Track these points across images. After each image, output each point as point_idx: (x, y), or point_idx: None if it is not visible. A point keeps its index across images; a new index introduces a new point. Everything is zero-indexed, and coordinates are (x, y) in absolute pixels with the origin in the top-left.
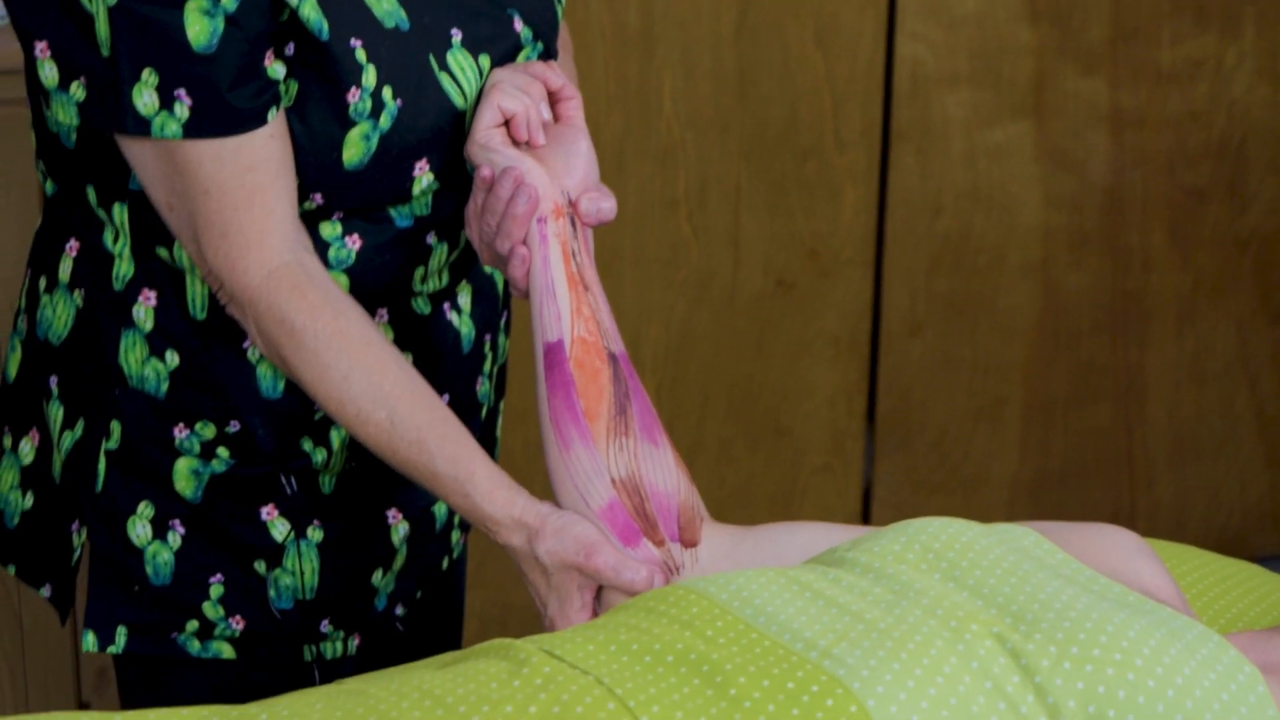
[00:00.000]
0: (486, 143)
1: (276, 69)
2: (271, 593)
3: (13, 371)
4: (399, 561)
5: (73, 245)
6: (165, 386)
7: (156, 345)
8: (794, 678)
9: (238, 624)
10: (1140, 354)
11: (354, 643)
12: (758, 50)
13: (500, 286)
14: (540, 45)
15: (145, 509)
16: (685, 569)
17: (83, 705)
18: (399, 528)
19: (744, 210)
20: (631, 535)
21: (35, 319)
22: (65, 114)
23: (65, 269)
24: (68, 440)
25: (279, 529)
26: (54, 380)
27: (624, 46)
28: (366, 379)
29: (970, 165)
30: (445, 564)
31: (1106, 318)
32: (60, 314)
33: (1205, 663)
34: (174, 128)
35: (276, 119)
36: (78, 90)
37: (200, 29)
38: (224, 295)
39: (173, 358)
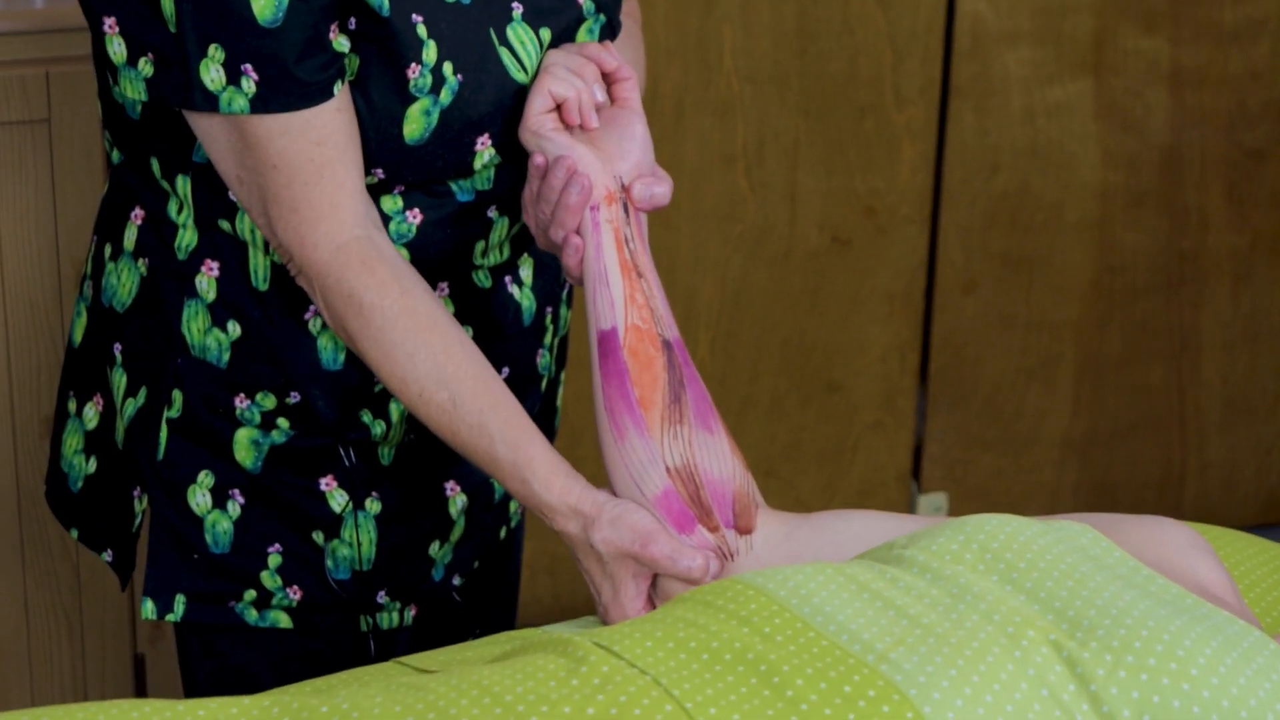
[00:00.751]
0: (538, 129)
1: (341, 42)
2: (329, 563)
3: (78, 337)
4: (457, 533)
5: (138, 213)
6: (227, 356)
7: (219, 315)
8: (851, 681)
9: (295, 594)
10: (1194, 313)
11: (410, 613)
12: (818, 5)
13: None
14: (603, 18)
15: (205, 478)
16: (740, 556)
17: (138, 659)
18: (457, 499)
19: (801, 166)
20: (686, 522)
21: (100, 285)
22: (134, 89)
23: (130, 237)
24: (130, 407)
25: (337, 500)
26: (118, 347)
27: (684, 1)
28: (431, 359)
29: (1029, 123)
30: (504, 533)
31: (1162, 277)
32: (125, 281)
33: (1261, 672)
34: (241, 103)
35: (342, 92)
36: (146, 66)
37: (265, 3)
38: (293, 268)
39: (234, 328)
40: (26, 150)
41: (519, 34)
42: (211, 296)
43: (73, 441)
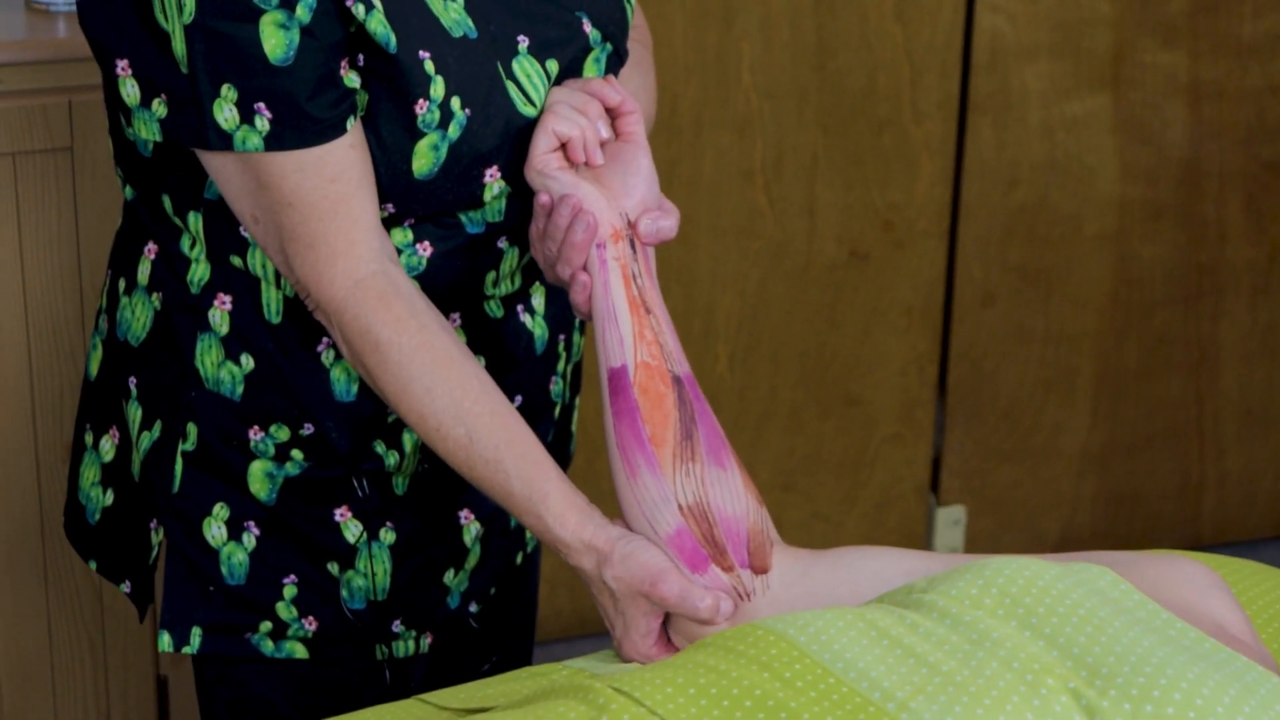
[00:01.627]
0: (543, 169)
1: (352, 78)
2: (344, 593)
3: (94, 370)
4: (472, 560)
5: (151, 248)
6: (241, 389)
7: (232, 349)
8: None
9: (311, 625)
10: (1213, 326)
11: (426, 641)
12: (836, 21)
13: None
14: (609, 46)
15: (220, 510)
16: (756, 595)
17: (161, 682)
18: (471, 527)
19: (820, 180)
20: (699, 561)
21: (115, 319)
22: (148, 130)
23: (144, 271)
24: (146, 440)
25: (352, 530)
26: (133, 381)
27: (703, 17)
28: (448, 395)
29: (1047, 137)
30: (520, 558)
31: (1180, 289)
32: (139, 315)
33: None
34: (255, 141)
35: (355, 128)
36: (160, 107)
37: (276, 42)
38: (311, 303)
39: (248, 361)
40: (49, 178)
41: (525, 67)
42: (225, 330)
43: (90, 474)
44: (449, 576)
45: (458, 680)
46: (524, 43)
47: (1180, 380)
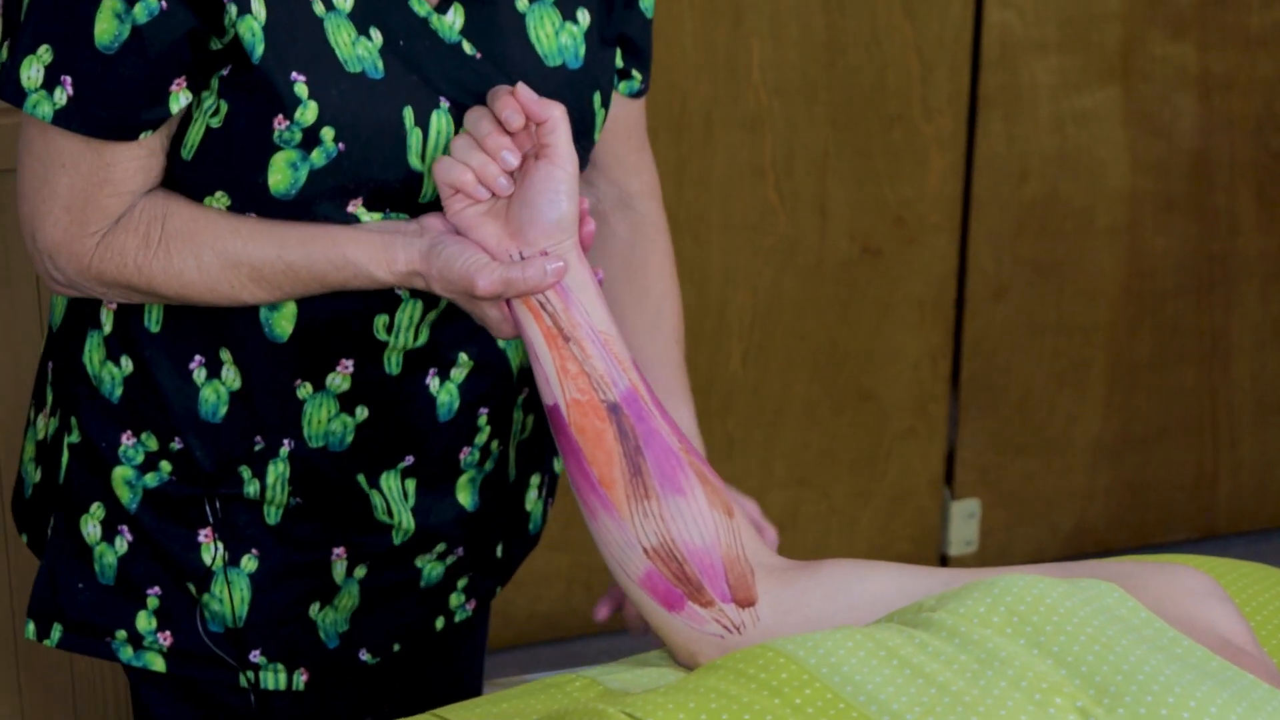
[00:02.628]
0: (448, 213)
1: (179, 98)
2: (205, 614)
3: (43, 350)
4: (346, 600)
5: None
6: (119, 392)
7: (113, 349)
8: None
9: (166, 639)
10: (1225, 316)
11: (301, 678)
12: (845, 18)
13: (516, 362)
14: None
15: (97, 509)
16: (746, 629)
17: None
18: (339, 564)
19: (831, 177)
20: (675, 601)
21: (51, 304)
22: None
23: None
24: (52, 426)
25: (211, 552)
26: (50, 365)
27: (712, 14)
28: (212, 255)
29: (1058, 130)
30: (440, 624)
31: (1192, 280)
32: (59, 304)
33: None
34: (46, 109)
35: (146, 142)
36: (4, 51)
37: (106, 28)
38: (60, 279)
39: (127, 364)
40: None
41: (440, 122)
42: (109, 329)
43: (29, 449)
44: (314, 610)
45: None
46: (445, 103)
47: (1193, 371)
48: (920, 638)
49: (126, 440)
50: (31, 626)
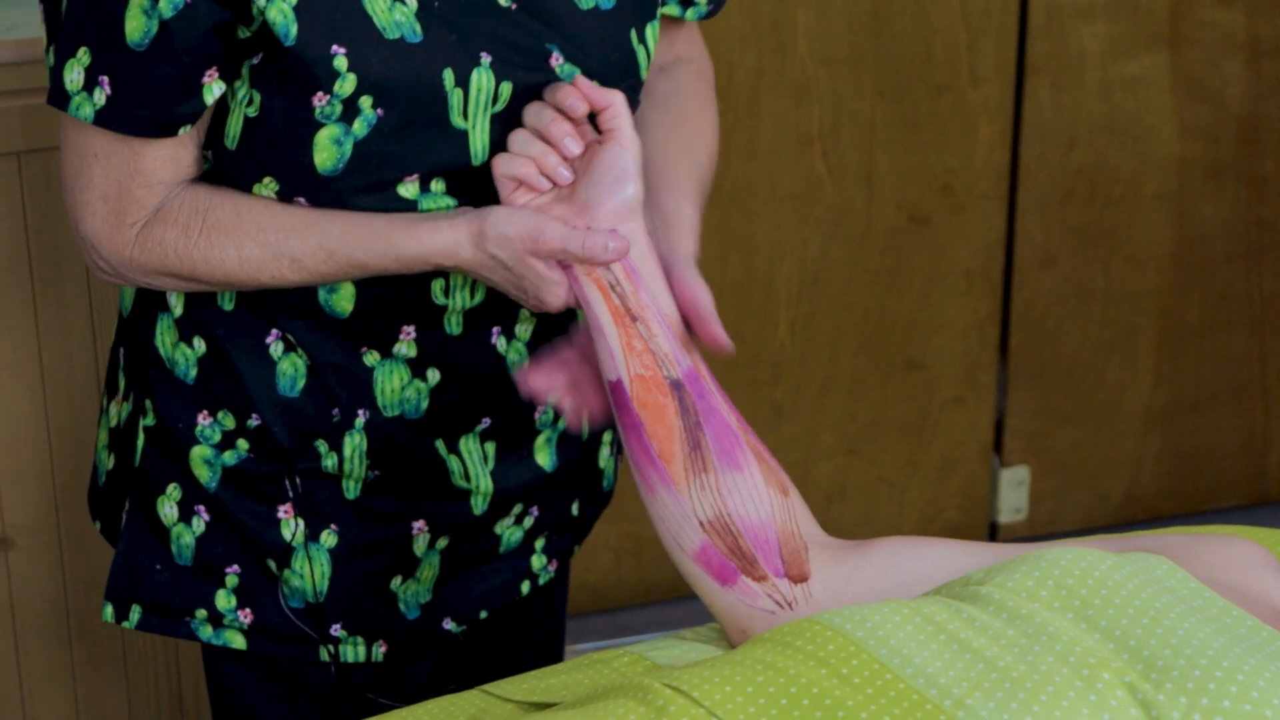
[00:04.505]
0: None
1: (213, 89)
2: (285, 590)
3: (112, 340)
4: (427, 572)
5: None
6: (194, 372)
7: (185, 331)
8: None
9: (246, 617)
10: (1274, 282)
11: (380, 649)
12: None
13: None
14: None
15: (174, 490)
16: (799, 605)
17: None
18: (421, 538)
19: (878, 146)
20: (729, 574)
21: (120, 291)
22: (49, 81)
23: None
24: (125, 412)
25: (291, 528)
26: (121, 351)
27: None
28: (255, 244)
29: (1105, 97)
30: (526, 588)
31: (1241, 246)
32: (127, 291)
33: None
34: (87, 110)
35: (183, 138)
36: (50, 57)
37: (136, 25)
38: (100, 252)
39: (200, 345)
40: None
41: (481, 81)
42: (179, 311)
43: (102, 437)
44: (396, 583)
45: (409, 695)
46: (487, 58)
47: (1243, 337)
48: (967, 611)
49: (203, 420)
50: (109, 609)
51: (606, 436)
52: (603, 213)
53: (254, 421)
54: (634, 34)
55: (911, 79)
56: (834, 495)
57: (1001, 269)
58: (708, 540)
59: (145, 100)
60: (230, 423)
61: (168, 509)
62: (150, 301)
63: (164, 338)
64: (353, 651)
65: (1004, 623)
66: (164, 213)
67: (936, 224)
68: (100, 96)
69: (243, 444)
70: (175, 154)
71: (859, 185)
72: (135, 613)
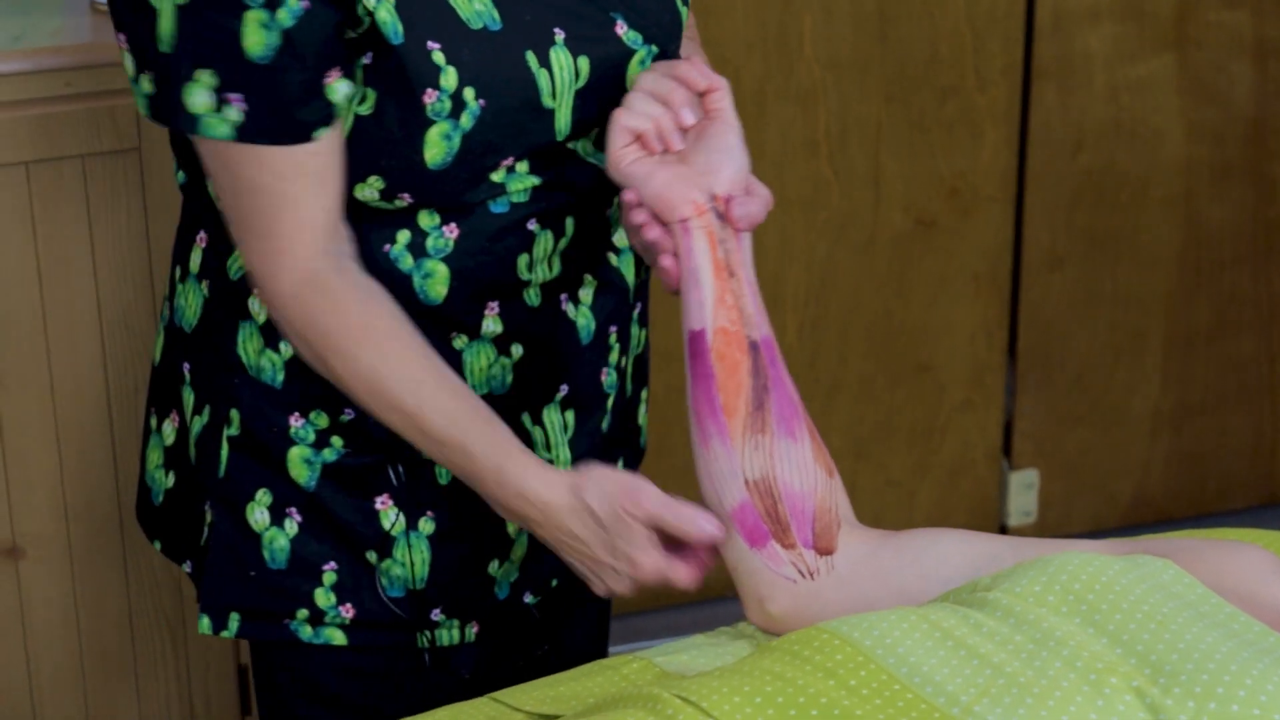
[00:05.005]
0: (617, 163)
1: (338, 88)
2: (383, 581)
3: (157, 356)
4: (519, 551)
5: (202, 237)
6: (281, 376)
7: (271, 336)
8: None
9: (348, 612)
10: None
11: (472, 630)
12: None
13: (631, 278)
14: (654, 49)
15: (264, 495)
16: (821, 575)
17: (241, 670)
18: None
19: (884, 150)
20: (759, 537)
21: (174, 306)
22: (141, 105)
23: (196, 260)
24: (197, 425)
25: (390, 519)
26: (186, 366)
27: None
28: (392, 369)
29: (1112, 100)
30: None
31: (1249, 248)
32: (191, 303)
33: None
34: (224, 129)
35: (326, 138)
36: (146, 84)
37: (257, 40)
38: (262, 297)
39: (286, 348)
40: (119, 179)
41: (560, 59)
42: (263, 318)
43: (154, 457)
44: (493, 567)
45: (508, 669)
46: (560, 35)
47: (1251, 339)
48: (975, 618)
49: (295, 422)
50: (206, 621)
51: (644, 394)
52: (724, 176)
53: (346, 416)
54: None
55: (918, 83)
56: None
57: (1009, 272)
58: (748, 499)
59: (278, 109)
60: (324, 421)
61: (258, 515)
62: (228, 312)
63: (246, 346)
64: (448, 635)
65: (1011, 628)
66: (328, 299)
67: (944, 227)
68: (235, 114)
69: (337, 440)
70: (319, 148)
71: (866, 189)
72: (234, 621)
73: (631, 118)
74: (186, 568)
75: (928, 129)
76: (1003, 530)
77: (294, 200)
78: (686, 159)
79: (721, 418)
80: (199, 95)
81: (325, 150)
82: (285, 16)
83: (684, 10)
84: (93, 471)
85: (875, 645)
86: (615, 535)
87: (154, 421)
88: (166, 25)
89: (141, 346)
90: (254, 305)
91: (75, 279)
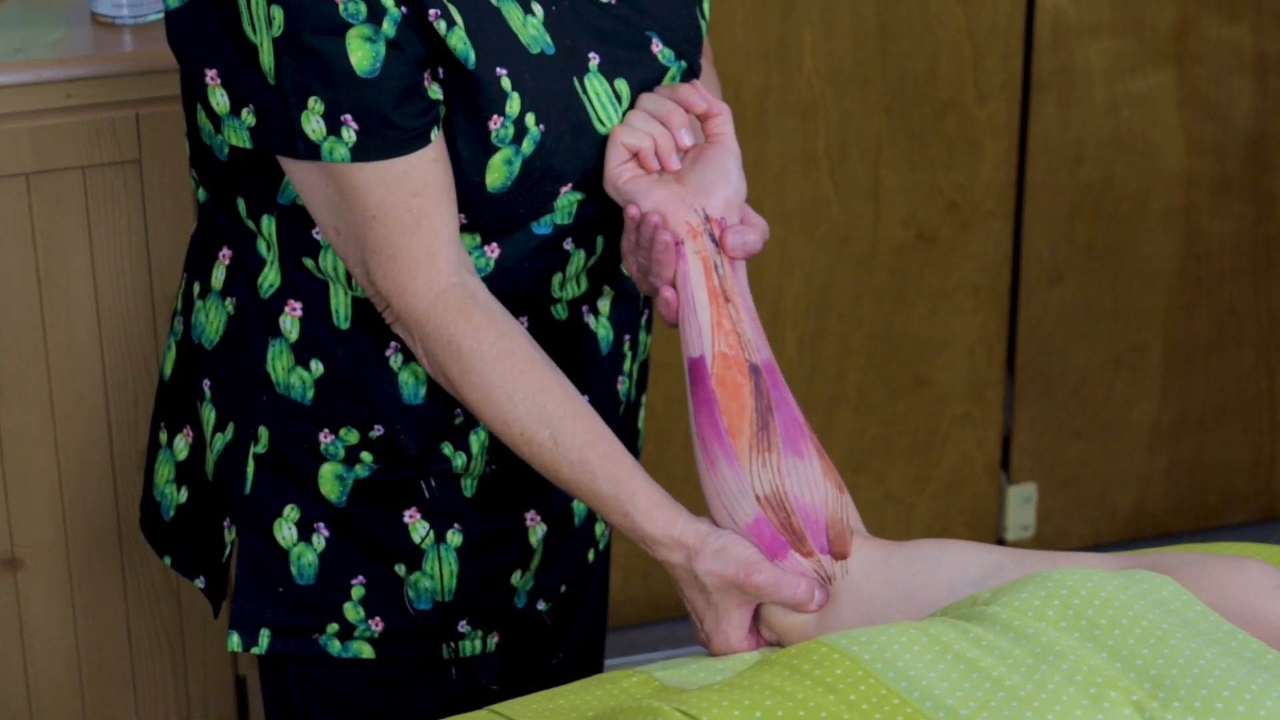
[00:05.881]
0: (615, 180)
1: (435, 90)
2: (411, 594)
3: (168, 370)
4: (536, 560)
5: (226, 254)
6: (311, 394)
7: (302, 355)
8: None
9: (377, 625)
10: None
11: (493, 640)
12: (897, 5)
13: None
14: (684, 64)
15: (291, 511)
16: (836, 580)
17: (239, 682)
18: (537, 529)
19: (884, 164)
20: (779, 548)
21: (190, 322)
22: (238, 137)
23: (219, 276)
24: (219, 442)
25: (419, 532)
26: (207, 383)
27: (764, 3)
28: (531, 400)
29: (1112, 114)
30: (591, 556)
31: (1248, 262)
32: (212, 320)
33: None
34: (342, 152)
35: (438, 140)
36: (248, 116)
37: (363, 55)
38: (390, 315)
39: (317, 366)
40: (119, 190)
41: (594, 85)
42: (295, 336)
43: (164, 471)
44: (516, 577)
45: (526, 677)
46: (594, 60)
47: (1250, 353)
48: (974, 632)
49: (325, 439)
50: (235, 638)
51: (644, 399)
52: (718, 198)
53: (376, 432)
54: (698, 10)
55: (918, 97)
56: None
57: (1008, 285)
58: (762, 513)
59: (391, 120)
60: (353, 437)
61: (285, 531)
62: (258, 329)
63: (276, 364)
64: (471, 645)
65: (1010, 642)
66: (472, 327)
67: (943, 241)
68: (349, 135)
69: (367, 456)
70: (437, 154)
71: (866, 203)
72: (264, 637)
73: (630, 135)
74: (199, 583)
75: (928, 142)
76: (1000, 544)
77: (424, 215)
78: (682, 179)
79: (727, 440)
80: (313, 122)
81: (441, 156)
82: (389, 27)
83: (704, 24)
84: (92, 483)
85: (874, 659)
86: (713, 605)
87: (164, 436)
88: (267, 58)
89: (141, 358)
90: (285, 324)
91: (75, 290)
